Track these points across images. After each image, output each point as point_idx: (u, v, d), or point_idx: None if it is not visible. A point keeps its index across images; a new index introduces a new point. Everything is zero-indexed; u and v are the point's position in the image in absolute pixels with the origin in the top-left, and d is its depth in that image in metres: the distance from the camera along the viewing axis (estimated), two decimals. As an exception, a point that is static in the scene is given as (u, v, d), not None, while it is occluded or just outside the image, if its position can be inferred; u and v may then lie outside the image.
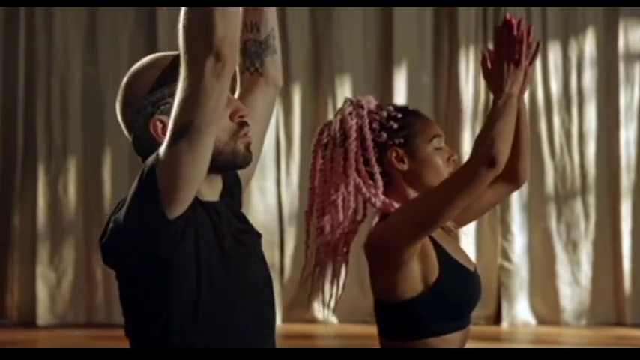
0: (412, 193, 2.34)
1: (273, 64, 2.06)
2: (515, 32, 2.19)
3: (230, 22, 1.65)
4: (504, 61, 2.21)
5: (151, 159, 1.74)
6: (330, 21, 8.01)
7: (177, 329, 1.75)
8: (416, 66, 7.99)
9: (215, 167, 1.82)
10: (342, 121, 2.34)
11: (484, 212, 2.58)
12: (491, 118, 2.19)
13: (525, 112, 2.36)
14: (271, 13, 2.02)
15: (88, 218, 7.97)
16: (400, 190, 2.33)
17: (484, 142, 2.15)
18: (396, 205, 2.29)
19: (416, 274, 2.26)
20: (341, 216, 2.30)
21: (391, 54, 7.95)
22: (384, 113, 2.34)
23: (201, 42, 1.64)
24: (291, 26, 8.00)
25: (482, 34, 7.95)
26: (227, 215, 1.83)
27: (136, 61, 1.93)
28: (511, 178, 2.41)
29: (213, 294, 1.77)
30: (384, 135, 2.32)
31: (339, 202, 2.30)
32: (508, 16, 2.22)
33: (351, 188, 2.29)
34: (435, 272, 2.26)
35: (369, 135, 2.31)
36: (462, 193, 2.17)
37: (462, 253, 2.39)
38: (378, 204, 2.29)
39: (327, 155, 2.34)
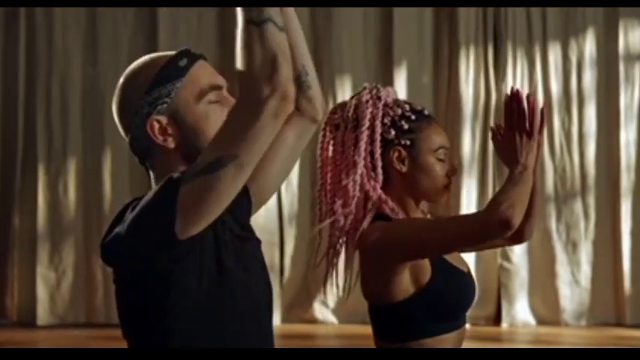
0: (406, 197, 2.33)
1: (309, 100, 2.04)
2: (524, 104, 2.22)
3: (289, 62, 1.66)
4: (517, 134, 2.23)
5: (175, 176, 1.72)
6: (329, 21, 8.02)
7: (176, 334, 1.75)
8: (416, 66, 8.00)
9: None
10: (357, 107, 2.34)
11: (478, 250, 2.60)
12: (510, 184, 2.20)
13: (539, 180, 2.36)
14: (300, 50, 2.00)
15: (87, 219, 7.97)
16: (395, 190, 2.33)
17: (502, 203, 2.14)
18: (390, 204, 2.29)
19: (407, 276, 2.25)
20: (350, 201, 2.30)
21: (391, 54, 7.95)
22: (399, 111, 2.34)
23: (268, 82, 1.62)
24: (291, 26, 8.00)
25: (482, 34, 7.95)
26: (229, 222, 1.82)
27: (129, 66, 1.93)
28: (515, 235, 2.40)
29: (213, 304, 1.76)
30: (393, 132, 2.32)
31: (350, 187, 2.30)
32: (515, 88, 2.25)
33: (357, 177, 2.30)
34: (427, 273, 2.26)
35: (379, 128, 2.31)
36: (467, 241, 2.23)
37: (454, 254, 2.39)
38: (375, 197, 2.30)
39: (337, 137, 2.34)
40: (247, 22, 1.64)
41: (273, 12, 1.64)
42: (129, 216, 1.75)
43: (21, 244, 7.99)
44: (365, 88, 2.37)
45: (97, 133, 7.96)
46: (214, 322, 1.77)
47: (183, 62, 1.82)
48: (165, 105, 1.80)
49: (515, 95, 2.23)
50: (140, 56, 1.90)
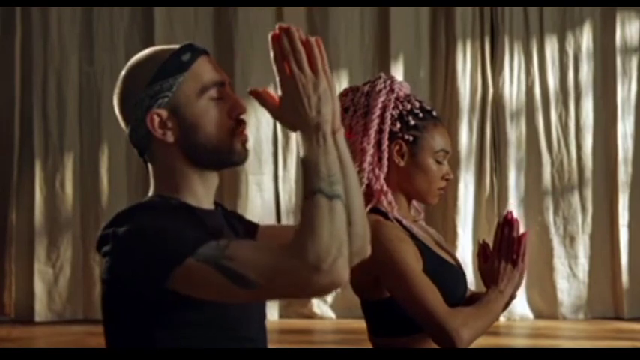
0: (398, 193, 2.34)
1: None
2: (515, 233, 2.28)
3: (348, 247, 1.65)
4: (502, 259, 2.29)
5: (193, 239, 1.66)
6: (326, 15, 8.01)
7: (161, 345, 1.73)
8: (413, 60, 7.99)
9: (211, 164, 1.81)
10: (369, 94, 2.34)
11: None
12: (484, 306, 2.24)
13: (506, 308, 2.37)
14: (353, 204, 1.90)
15: (85, 214, 7.97)
16: (389, 184, 2.33)
17: (467, 324, 2.18)
18: (389, 197, 2.29)
19: None
20: None
21: (388, 48, 7.95)
22: (408, 106, 2.34)
23: (329, 265, 1.59)
24: (287, 20, 7.98)
25: (479, 28, 7.94)
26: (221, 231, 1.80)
27: (132, 58, 1.92)
28: None
29: (201, 320, 1.74)
30: (398, 125, 2.32)
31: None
32: (510, 215, 2.30)
33: (366, 165, 2.30)
34: (419, 266, 2.26)
35: (388, 120, 2.32)
36: (420, 324, 2.19)
37: (443, 247, 2.39)
38: (377, 187, 2.30)
39: (345, 120, 2.34)
40: (319, 191, 1.65)
41: (341, 188, 1.65)
42: (120, 231, 1.70)
43: (18, 240, 7.98)
44: (380, 77, 2.37)
45: (93, 129, 7.95)
46: (205, 335, 1.74)
47: (186, 57, 1.81)
48: (166, 99, 1.79)
49: (509, 222, 2.29)
50: (136, 53, 1.89)
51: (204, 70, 1.82)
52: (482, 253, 2.33)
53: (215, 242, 1.65)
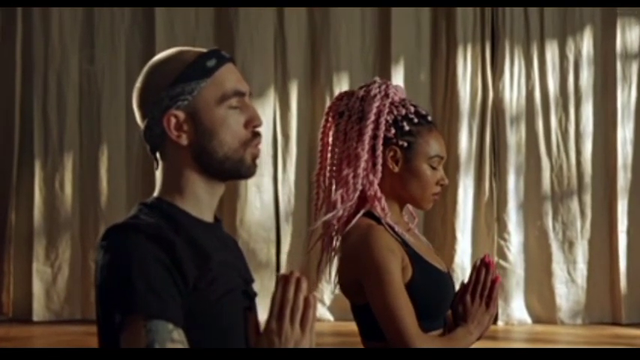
0: (391, 199, 2.34)
1: None
2: (491, 276, 2.29)
3: None
4: (476, 301, 2.30)
5: (141, 307, 1.66)
6: (327, 18, 8.01)
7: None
8: (413, 64, 8.00)
9: (218, 173, 1.80)
10: (364, 99, 2.33)
11: None
12: (450, 339, 2.25)
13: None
14: None
15: (84, 215, 7.96)
16: (383, 190, 2.32)
17: (429, 346, 2.20)
18: (383, 203, 2.29)
19: None
20: (352, 195, 2.30)
21: (389, 51, 7.95)
22: (403, 111, 2.34)
23: None
24: (288, 23, 8.00)
25: (479, 32, 7.95)
26: (218, 251, 1.80)
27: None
28: None
29: (193, 334, 1.74)
30: (393, 131, 2.32)
31: (350, 179, 2.29)
32: (488, 258, 2.31)
33: (360, 170, 2.29)
34: (408, 273, 2.26)
35: (382, 125, 2.31)
36: (383, 330, 2.21)
37: (432, 254, 2.39)
38: (371, 193, 2.29)
39: (340, 125, 2.33)
40: None
41: None
42: (105, 257, 1.71)
43: (17, 240, 7.99)
44: (375, 82, 2.36)
45: (93, 129, 7.94)
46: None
47: (211, 63, 1.81)
48: (185, 102, 1.79)
49: (486, 264, 2.30)
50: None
51: (227, 78, 1.82)
52: (462, 292, 2.33)
53: (170, 326, 1.65)
